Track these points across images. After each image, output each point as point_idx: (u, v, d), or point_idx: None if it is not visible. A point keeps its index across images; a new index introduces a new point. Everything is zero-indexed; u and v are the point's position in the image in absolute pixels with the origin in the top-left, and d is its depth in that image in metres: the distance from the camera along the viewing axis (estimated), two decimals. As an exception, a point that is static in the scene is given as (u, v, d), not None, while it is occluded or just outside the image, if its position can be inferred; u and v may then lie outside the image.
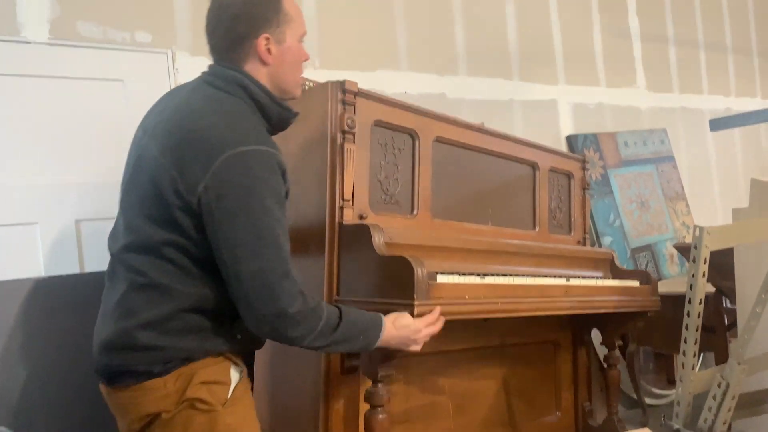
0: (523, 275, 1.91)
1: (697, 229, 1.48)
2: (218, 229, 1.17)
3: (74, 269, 2.20)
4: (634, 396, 2.96)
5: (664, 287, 3.32)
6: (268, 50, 1.29)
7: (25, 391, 1.93)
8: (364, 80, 2.95)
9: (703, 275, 1.49)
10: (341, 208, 1.66)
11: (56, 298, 2.04)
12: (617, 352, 2.41)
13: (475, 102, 3.27)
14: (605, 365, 2.43)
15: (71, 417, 1.97)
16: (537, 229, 2.33)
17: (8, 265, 2.07)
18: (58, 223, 2.20)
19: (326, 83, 1.72)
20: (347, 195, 1.67)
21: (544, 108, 3.57)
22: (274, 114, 1.31)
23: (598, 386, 2.59)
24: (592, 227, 3.47)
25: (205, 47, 2.49)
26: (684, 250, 2.77)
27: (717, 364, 2.61)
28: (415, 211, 1.88)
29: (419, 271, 1.46)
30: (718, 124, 2.63)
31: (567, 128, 3.66)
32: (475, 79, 3.29)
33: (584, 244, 2.54)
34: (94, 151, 2.24)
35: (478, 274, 1.74)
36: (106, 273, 1.35)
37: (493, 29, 3.38)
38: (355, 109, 1.71)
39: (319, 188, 1.69)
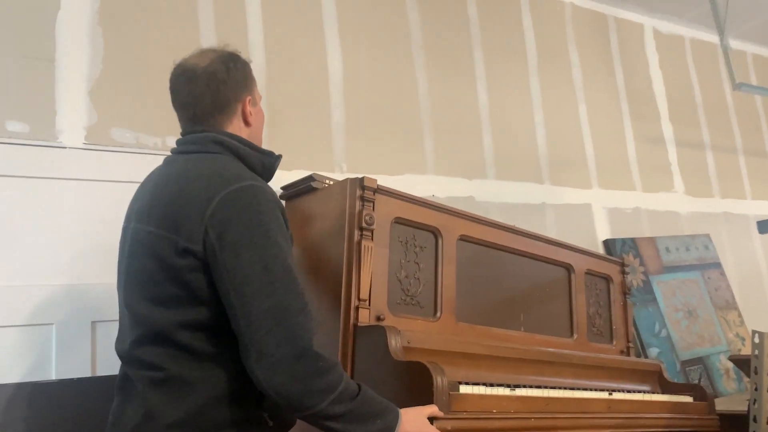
0: (559, 387, 1.73)
1: (757, 335, 1.31)
2: (223, 270, 1.08)
3: (86, 371, 2.12)
4: None
5: (721, 405, 3.01)
6: (250, 112, 1.32)
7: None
8: (391, 183, 2.91)
9: None
10: (357, 308, 1.56)
11: (66, 403, 1.95)
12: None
13: (505, 205, 3.21)
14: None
15: None
16: (575, 337, 2.15)
17: (22, 367, 2.01)
18: (74, 325, 2.15)
19: (345, 180, 1.68)
20: (363, 295, 1.57)
21: (578, 211, 3.47)
22: (257, 162, 1.28)
23: None
24: (636, 337, 3.24)
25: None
26: (741, 363, 2.52)
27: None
28: (438, 314, 1.75)
29: (439, 380, 1.32)
30: (767, 226, 2.47)
31: (603, 232, 3.53)
32: (505, 183, 3.25)
33: (628, 355, 2.33)
34: (114, 252, 2.23)
35: (508, 386, 1.57)
36: (116, 386, 1.25)
37: (522, 135, 3.38)
38: (374, 206, 1.66)
39: (334, 287, 1.60)
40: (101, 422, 1.62)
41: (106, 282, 2.18)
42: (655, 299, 3.45)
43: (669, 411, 1.90)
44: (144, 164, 2.33)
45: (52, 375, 2.08)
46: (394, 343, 1.43)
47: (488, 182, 3.20)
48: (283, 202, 1.90)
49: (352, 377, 1.50)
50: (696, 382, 3.31)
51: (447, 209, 1.85)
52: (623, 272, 2.42)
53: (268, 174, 1.32)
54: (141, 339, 1.16)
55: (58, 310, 2.13)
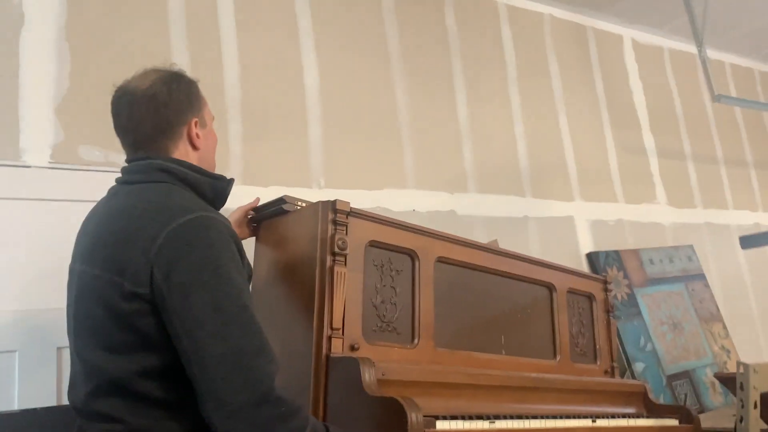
0: (542, 416, 1.67)
1: (742, 366, 1.26)
2: (173, 314, 1.00)
3: (51, 400, 2.04)
4: None
5: (707, 422, 2.97)
6: (197, 134, 1.25)
7: None
8: (371, 199, 2.89)
9: (757, 420, 1.25)
10: (329, 338, 1.49)
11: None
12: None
13: (488, 219, 3.16)
14: None
15: None
16: (558, 359, 2.10)
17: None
18: (38, 351, 2.06)
19: (317, 203, 1.61)
20: (336, 323, 1.51)
21: (560, 224, 3.44)
22: (207, 188, 1.21)
23: None
24: (621, 352, 3.20)
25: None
26: (726, 381, 2.48)
27: None
28: (415, 340, 1.69)
29: (413, 417, 1.25)
30: (749, 241, 2.44)
31: (586, 245, 3.50)
32: (486, 196, 3.20)
33: (612, 374, 2.28)
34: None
35: (488, 417, 1.51)
36: None
37: (503, 148, 3.34)
38: (347, 230, 1.59)
39: (306, 315, 1.53)
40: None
41: (71, 307, 2.09)
42: (639, 312, 3.42)
43: (655, 435, 1.86)
44: (113, 183, 2.27)
45: (15, 405, 1.99)
46: (368, 376, 1.36)
47: (469, 195, 3.16)
48: (254, 226, 1.83)
49: (324, 411, 1.43)
50: (682, 398, 3.28)
51: (424, 231, 1.79)
52: (606, 290, 2.38)
53: (220, 199, 1.25)
54: (96, 391, 1.07)
55: (21, 337, 2.04)
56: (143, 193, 1.14)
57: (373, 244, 1.67)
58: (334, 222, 1.58)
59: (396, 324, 1.67)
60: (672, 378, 3.32)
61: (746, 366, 1.25)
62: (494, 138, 3.30)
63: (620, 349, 3.20)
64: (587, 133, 3.71)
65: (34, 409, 1.93)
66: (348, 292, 1.55)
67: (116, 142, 2.28)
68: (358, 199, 2.80)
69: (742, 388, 1.26)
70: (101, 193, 2.20)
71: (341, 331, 1.51)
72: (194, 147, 1.24)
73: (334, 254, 1.55)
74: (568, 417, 1.73)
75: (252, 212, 1.79)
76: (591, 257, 3.44)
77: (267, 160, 2.63)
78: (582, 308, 2.29)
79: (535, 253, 3.26)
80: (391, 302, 1.68)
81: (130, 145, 1.24)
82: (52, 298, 2.08)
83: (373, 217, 1.67)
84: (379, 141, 2.93)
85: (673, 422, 1.99)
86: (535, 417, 1.63)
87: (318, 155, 2.76)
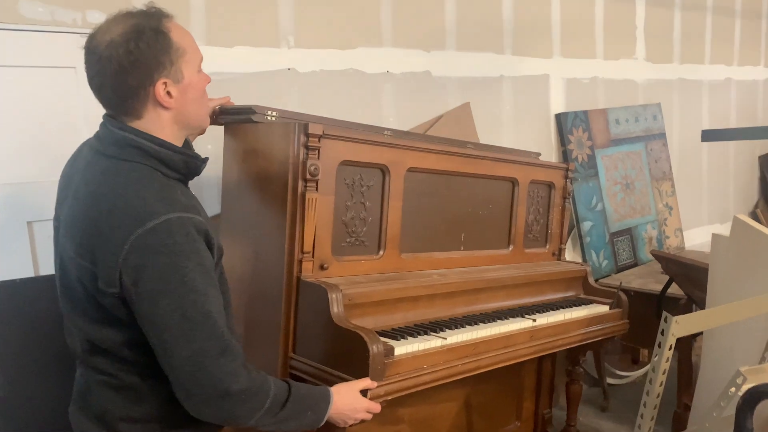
0: (489, 320, 1.87)
1: (666, 317, 1.42)
2: (143, 317, 1.09)
3: (29, 272, 2.12)
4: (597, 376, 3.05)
5: (636, 275, 3.32)
6: (168, 94, 1.16)
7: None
8: (343, 59, 2.76)
9: (667, 360, 1.45)
10: (300, 261, 1.58)
11: (10, 304, 1.97)
12: (580, 369, 2.42)
13: (463, 80, 3.10)
14: (568, 378, 2.45)
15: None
16: (510, 248, 2.26)
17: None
18: (9, 226, 2.09)
19: (289, 124, 1.57)
20: (307, 247, 1.58)
21: (535, 84, 3.39)
22: (180, 164, 1.19)
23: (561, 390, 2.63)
24: (573, 212, 3.40)
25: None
26: (661, 260, 2.73)
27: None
28: (381, 251, 1.79)
29: (374, 349, 1.41)
30: (710, 135, 2.50)
31: (558, 105, 3.50)
32: (464, 54, 3.09)
33: (560, 255, 2.49)
34: (45, 147, 2.10)
35: (441, 328, 1.69)
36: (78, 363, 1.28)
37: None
38: (319, 154, 1.59)
39: (277, 239, 1.59)
40: (51, 323, 1.64)
41: (41, 180, 2.08)
42: (597, 174, 3.57)
43: (586, 326, 2.10)
44: (63, 45, 2.11)
45: (-11, 278, 2.06)
46: (336, 307, 1.48)
47: (447, 53, 3.04)
48: (222, 128, 1.79)
49: (294, 330, 1.58)
50: (621, 253, 3.60)
51: (397, 144, 1.79)
52: (566, 177, 2.47)
53: (193, 175, 1.24)
54: (90, 349, 1.18)
55: (-9, 211, 2.05)
56: (116, 178, 1.12)
57: (346, 163, 1.68)
58: (306, 146, 1.56)
59: (364, 237, 1.76)
60: (615, 235, 3.60)
61: (669, 317, 1.41)
62: (479, -12, 3.08)
63: (572, 210, 3.40)
64: (577, -19, 3.47)
65: (13, 281, 2.02)
66: (319, 214, 1.61)
67: (63, -5, 2.09)
68: (330, 60, 2.69)
69: (662, 333, 1.43)
70: (50, 56, 2.08)
71: (311, 253, 1.60)
72: (165, 108, 1.17)
73: (305, 180, 1.56)
74: (513, 316, 1.94)
75: (218, 109, 1.70)
76: (559, 118, 3.47)
77: (232, 16, 2.44)
78: (540, 197, 2.40)
79: (506, 114, 3.28)
80: (360, 217, 1.75)
81: (104, 106, 1.18)
82: (15, 170, 2.06)
83: (346, 137, 1.65)
84: (354, -7, 2.72)
85: (604, 309, 2.24)
86: (483, 321, 1.82)
87: (287, 10, 2.56)
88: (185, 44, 1.18)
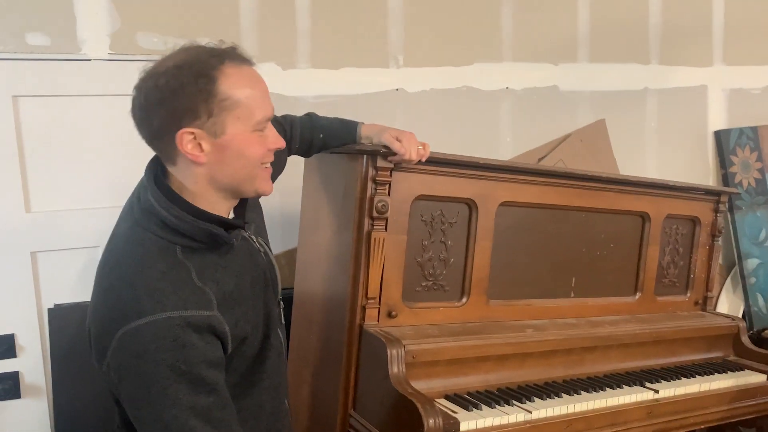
0: (598, 383, 1.56)
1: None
2: (131, 416, 0.98)
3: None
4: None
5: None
6: (200, 146, 0.98)
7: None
8: (457, 77, 2.56)
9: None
10: (363, 307, 1.41)
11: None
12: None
13: (597, 94, 2.74)
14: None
15: None
16: (637, 296, 1.90)
17: (70, 288, 2.09)
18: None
19: (359, 156, 1.42)
20: (372, 293, 1.41)
21: (688, 97, 2.92)
22: (204, 236, 1.00)
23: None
24: (734, 247, 2.87)
25: (271, 53, 2.28)
26: None
27: None
28: (464, 298, 1.57)
29: (430, 423, 1.19)
30: None
31: (717, 121, 2.98)
32: (599, 65, 2.74)
33: (704, 306, 2.06)
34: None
35: (529, 397, 1.42)
36: None
37: (629, 1, 2.76)
38: (390, 189, 1.41)
39: (342, 282, 1.45)
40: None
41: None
42: (767, 201, 2.98)
43: (731, 400, 1.69)
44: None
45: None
46: (396, 367, 1.29)
47: (579, 66, 2.71)
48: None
49: (356, 384, 1.41)
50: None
51: (487, 175, 1.56)
52: (716, 210, 2.04)
53: (219, 242, 1.03)
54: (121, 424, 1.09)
55: (102, 233, 2.14)
56: (125, 250, 1.01)
57: (422, 197, 1.48)
58: (374, 180, 1.40)
59: (444, 281, 1.55)
60: (791, 277, 2.97)
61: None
62: (619, -11, 2.72)
63: (733, 245, 2.87)
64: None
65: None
66: (389, 255, 1.43)
67: (175, 26, 2.15)
68: (441, 78, 2.50)
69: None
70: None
71: (377, 299, 1.43)
72: (196, 163, 1.00)
73: (372, 218, 1.40)
74: (629, 383, 1.60)
75: None
76: (719, 136, 2.95)
77: (338, 36, 2.36)
78: (681, 234, 2.01)
79: (649, 132, 2.85)
80: (440, 258, 1.54)
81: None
82: (126, 193, 2.15)
83: (422, 169, 1.46)
84: (471, 4, 2.51)
85: (760, 378, 1.79)
86: (587, 389, 1.52)
87: (397, 29, 2.43)
88: (240, 97, 0.98)
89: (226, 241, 1.03)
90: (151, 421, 0.93)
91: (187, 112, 0.96)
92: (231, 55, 1.01)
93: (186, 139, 0.97)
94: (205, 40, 2.24)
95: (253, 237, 1.14)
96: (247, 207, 1.14)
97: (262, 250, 1.15)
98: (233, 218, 1.10)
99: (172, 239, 1.00)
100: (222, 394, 0.98)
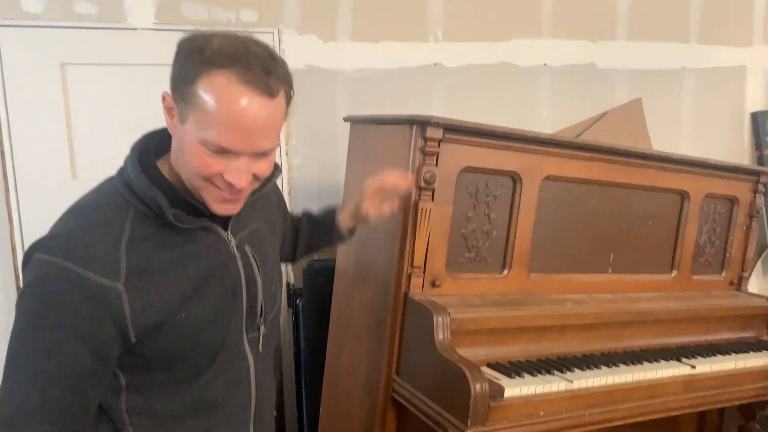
0: (636, 357, 1.58)
1: None
2: None
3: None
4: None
5: None
6: (170, 114, 0.93)
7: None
8: (494, 53, 2.55)
9: None
10: (409, 276, 1.44)
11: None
12: (757, 426, 1.99)
13: (635, 72, 2.72)
14: (740, 434, 2.03)
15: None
16: (674, 274, 1.91)
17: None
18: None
19: (407, 127, 1.44)
20: (418, 262, 1.44)
21: (727, 77, 2.88)
22: (149, 200, 0.93)
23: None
24: (766, 229, 2.85)
25: (312, 25, 2.29)
26: None
27: None
28: (505, 270, 1.59)
29: (477, 388, 1.23)
30: None
31: (755, 102, 2.94)
32: (638, 44, 2.71)
33: (739, 285, 2.06)
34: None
35: (569, 368, 1.45)
36: None
37: (671, -22, 2.72)
38: (437, 159, 1.43)
39: (388, 250, 1.48)
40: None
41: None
42: (803, 185, 2.95)
43: (765, 379, 1.70)
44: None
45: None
46: (442, 334, 1.33)
47: (617, 44, 2.69)
48: (348, 125, 1.71)
49: (399, 353, 1.45)
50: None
51: (533, 148, 1.57)
52: (755, 190, 2.03)
53: (161, 212, 0.93)
54: None
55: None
56: (90, 192, 0.99)
57: (469, 169, 1.50)
58: (423, 151, 1.42)
59: (486, 253, 1.57)
60: (823, 262, 2.95)
61: None
62: (660, -34, 2.68)
63: (766, 227, 2.85)
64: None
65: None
66: (434, 225, 1.45)
67: (218, -7, 2.17)
68: (479, 53, 2.50)
69: None
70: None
71: (422, 269, 1.46)
72: (169, 129, 0.95)
73: (420, 188, 1.42)
74: (666, 358, 1.62)
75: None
76: (756, 118, 2.92)
77: (379, 10, 2.36)
78: (719, 213, 2.00)
79: (686, 112, 2.83)
80: (483, 230, 1.56)
81: None
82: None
83: (469, 141, 1.48)
84: (510, -22, 2.49)
85: (795, 357, 1.80)
86: (625, 362, 1.54)
87: (437, 2, 2.42)
88: (205, 105, 0.88)
89: (169, 218, 0.93)
90: (8, 349, 0.90)
91: (176, 81, 0.91)
92: (241, 73, 0.89)
93: (166, 100, 0.93)
94: (248, 12, 2.27)
95: (232, 240, 1.02)
96: (251, 212, 1.07)
97: (240, 258, 1.03)
98: (202, 206, 0.97)
99: (129, 199, 0.94)
100: (71, 377, 0.90)
